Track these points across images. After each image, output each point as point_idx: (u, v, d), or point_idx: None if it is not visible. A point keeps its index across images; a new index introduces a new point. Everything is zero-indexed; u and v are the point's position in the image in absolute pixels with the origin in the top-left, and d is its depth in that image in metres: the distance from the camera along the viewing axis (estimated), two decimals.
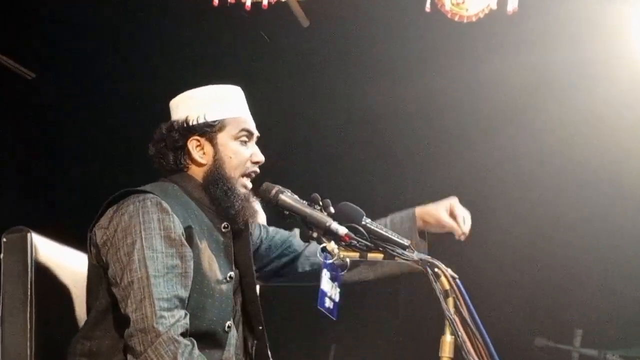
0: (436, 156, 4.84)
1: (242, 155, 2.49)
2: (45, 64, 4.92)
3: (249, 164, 2.50)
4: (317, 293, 2.27)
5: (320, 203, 2.38)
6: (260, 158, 2.53)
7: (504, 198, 4.68)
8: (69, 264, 2.55)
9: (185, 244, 2.31)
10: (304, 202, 2.39)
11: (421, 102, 4.69)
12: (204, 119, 2.48)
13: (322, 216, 2.33)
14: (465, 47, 4.40)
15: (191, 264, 2.31)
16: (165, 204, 2.33)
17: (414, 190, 4.80)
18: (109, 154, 4.98)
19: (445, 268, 2.19)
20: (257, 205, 2.52)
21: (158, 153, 2.50)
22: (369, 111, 4.83)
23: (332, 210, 2.37)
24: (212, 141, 2.48)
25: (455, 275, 2.19)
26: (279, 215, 2.42)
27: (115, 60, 4.79)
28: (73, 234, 2.65)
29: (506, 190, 4.69)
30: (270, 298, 2.89)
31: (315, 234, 2.31)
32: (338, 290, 2.34)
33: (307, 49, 4.65)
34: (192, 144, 2.48)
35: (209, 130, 2.47)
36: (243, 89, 2.59)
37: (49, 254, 2.48)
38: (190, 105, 2.50)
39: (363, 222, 2.32)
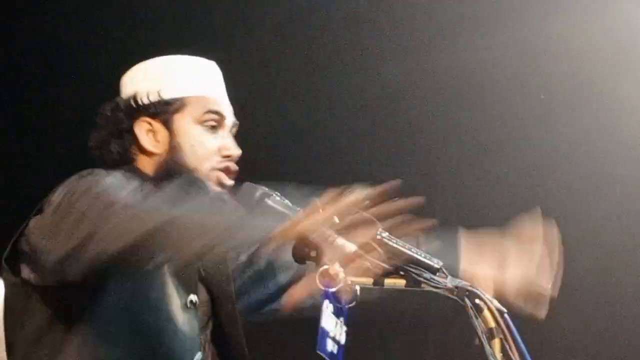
0: (475, 151, 4.82)
1: (206, 145, 2.49)
2: None
3: (216, 158, 2.49)
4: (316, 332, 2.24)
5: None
6: (233, 151, 2.52)
7: (573, 203, 4.66)
8: None
9: None
10: (298, 209, 2.36)
11: (455, 78, 4.69)
12: (158, 96, 2.49)
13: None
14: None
15: None
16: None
17: (445, 195, 4.78)
18: (42, 145, 4.94)
19: (490, 299, 2.17)
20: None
21: (99, 142, 2.51)
22: (385, 91, 4.84)
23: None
24: (167, 124, 2.49)
25: (504, 309, 2.17)
26: None
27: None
28: None
29: (574, 193, 4.67)
30: (258, 336, 2.86)
31: (313, 253, 2.27)
32: (344, 328, 2.30)
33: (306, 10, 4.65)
34: (140, 126, 2.49)
35: (162, 110, 2.49)
36: (221, 62, 2.61)
37: None
38: (141, 78, 2.52)
39: (378, 236, 2.26)
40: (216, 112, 2.51)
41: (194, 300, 2.43)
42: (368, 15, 4.76)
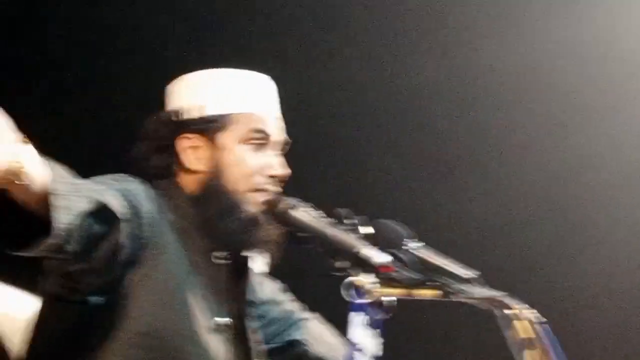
0: (514, 156, 4.79)
1: (247, 165, 2.45)
2: None
3: (259, 178, 2.46)
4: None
5: (349, 221, 2.34)
6: (280, 172, 2.48)
7: (606, 208, 4.62)
8: (5, 305, 2.58)
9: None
10: (326, 220, 2.37)
11: (491, 79, 4.66)
12: (203, 111, 2.46)
13: (351, 239, 2.30)
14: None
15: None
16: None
17: (479, 203, 4.75)
18: (83, 156, 4.96)
19: (523, 309, 2.16)
20: (271, 231, 2.47)
21: (140, 153, 2.49)
22: (417, 94, 4.80)
23: (365, 230, 2.33)
24: (210, 141, 2.46)
25: (539, 320, 2.16)
26: (291, 239, 2.41)
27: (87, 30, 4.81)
28: (16, 268, 2.63)
29: (609, 198, 4.63)
30: None
31: (339, 264, 2.27)
32: (377, 341, 2.27)
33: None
34: (182, 143, 2.47)
35: (206, 127, 2.45)
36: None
37: None
38: (186, 92, 2.50)
39: (408, 247, 2.30)
40: (261, 131, 2.47)
41: (219, 323, 2.42)
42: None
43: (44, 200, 1.92)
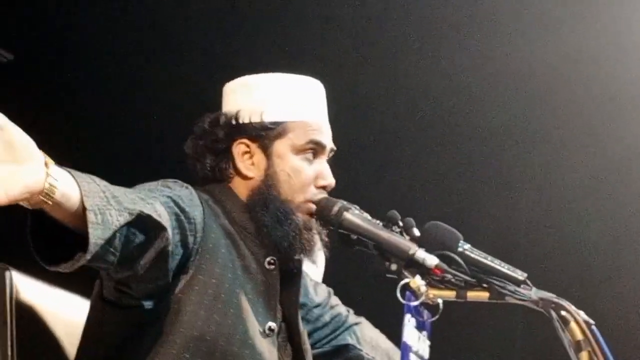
0: (563, 156, 4.78)
1: (304, 176, 2.46)
2: (26, 44, 4.99)
3: (311, 190, 2.47)
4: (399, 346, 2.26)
5: (401, 223, 2.36)
6: (330, 181, 2.49)
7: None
8: (60, 309, 2.58)
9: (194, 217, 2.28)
10: (378, 222, 2.38)
11: (543, 79, 4.65)
12: (260, 118, 2.46)
13: (404, 241, 2.32)
14: None
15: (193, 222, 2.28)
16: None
17: (528, 205, 4.75)
18: (105, 154, 5.01)
19: (577, 311, 2.16)
20: (318, 241, 2.48)
21: (195, 153, 2.49)
22: (466, 94, 4.80)
23: (416, 233, 2.35)
24: (265, 149, 2.46)
25: (591, 321, 2.16)
26: (342, 241, 2.42)
27: (110, 36, 4.84)
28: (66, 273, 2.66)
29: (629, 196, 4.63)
30: None
31: (394, 267, 2.30)
32: (428, 343, 2.31)
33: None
34: (238, 148, 2.47)
35: (263, 134, 2.45)
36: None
37: (34, 296, 2.49)
38: (245, 96, 2.50)
39: (460, 249, 2.31)
40: (318, 143, 2.47)
41: (272, 327, 2.41)
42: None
43: (81, 216, 1.89)
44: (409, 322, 2.27)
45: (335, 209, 2.40)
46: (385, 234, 2.34)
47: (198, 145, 2.49)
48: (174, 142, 2.64)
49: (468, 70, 4.75)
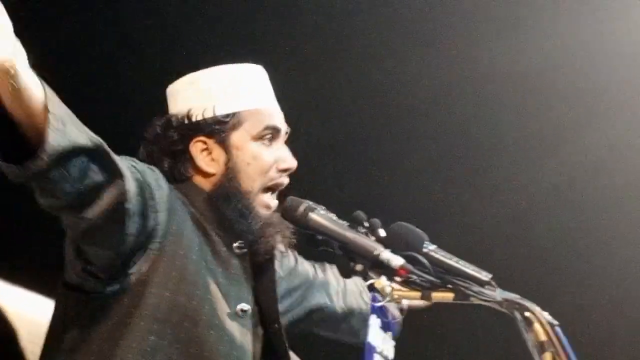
0: (531, 156, 4.80)
1: (264, 161, 2.49)
2: None
3: (273, 173, 2.50)
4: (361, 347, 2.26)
5: (366, 224, 2.37)
6: (291, 164, 2.52)
7: (618, 209, 4.64)
8: (25, 310, 2.56)
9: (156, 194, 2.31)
10: (344, 222, 2.39)
11: (504, 80, 4.66)
12: (213, 112, 2.48)
13: (369, 242, 2.33)
14: None
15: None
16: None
17: (496, 206, 4.76)
18: None
19: (540, 312, 2.17)
20: (287, 229, 2.50)
21: (150, 158, 2.50)
22: (430, 96, 4.81)
23: (382, 233, 2.36)
24: (223, 143, 2.48)
25: (555, 322, 2.17)
26: (308, 241, 2.43)
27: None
28: (32, 273, 2.65)
29: (621, 198, 4.65)
30: (303, 350, 2.89)
31: (359, 267, 2.31)
32: (392, 343, 2.33)
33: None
34: (196, 147, 2.49)
35: (218, 129, 2.47)
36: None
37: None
38: (193, 94, 2.51)
39: (425, 249, 2.31)
40: (274, 127, 2.50)
41: (245, 309, 2.45)
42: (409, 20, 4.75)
43: (36, 117, 1.91)
44: (374, 322, 2.28)
45: (301, 209, 2.41)
46: (350, 234, 2.35)
47: (153, 151, 2.50)
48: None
49: (438, 70, 4.76)
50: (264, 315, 2.51)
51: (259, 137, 2.49)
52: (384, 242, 2.33)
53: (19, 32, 1.82)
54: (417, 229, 2.34)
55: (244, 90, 2.51)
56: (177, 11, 4.64)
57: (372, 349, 2.26)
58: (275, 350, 2.51)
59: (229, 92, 2.50)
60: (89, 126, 2.06)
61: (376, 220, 2.38)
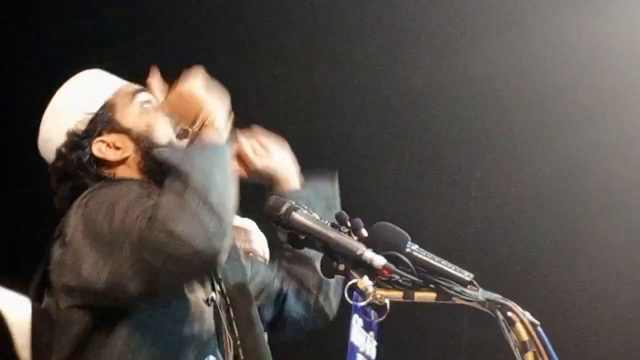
0: (512, 157, 4.82)
1: (156, 115, 2.53)
2: None
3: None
4: (345, 347, 2.26)
5: (349, 224, 2.37)
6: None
7: (603, 210, 4.66)
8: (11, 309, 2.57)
9: None
10: (326, 222, 2.39)
11: (491, 82, 4.68)
12: (87, 115, 2.53)
13: (352, 242, 2.33)
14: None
15: None
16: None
17: (479, 206, 4.78)
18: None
19: (522, 312, 2.18)
20: None
21: (72, 189, 2.51)
22: (416, 96, 4.82)
23: (364, 233, 2.36)
24: (115, 129, 2.53)
25: (536, 322, 2.18)
26: (290, 241, 2.43)
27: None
28: (15, 273, 2.65)
29: (606, 200, 4.67)
30: (284, 353, 2.88)
31: (341, 267, 2.31)
32: (375, 344, 2.33)
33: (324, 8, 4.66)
34: (98, 149, 2.52)
35: (103, 122, 2.53)
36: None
37: None
38: (60, 117, 2.56)
39: (408, 249, 2.32)
40: (142, 90, 2.57)
41: (208, 299, 2.47)
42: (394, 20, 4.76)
43: None
44: (357, 322, 2.28)
45: (284, 208, 2.40)
46: (333, 234, 2.34)
47: (69, 178, 2.53)
48: None
49: (419, 70, 4.78)
50: (235, 307, 2.53)
51: (137, 103, 2.55)
52: (367, 242, 2.33)
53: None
54: (400, 229, 2.35)
55: (98, 83, 2.59)
56: (160, 12, 4.65)
57: (354, 349, 2.26)
58: (245, 344, 2.51)
59: (86, 91, 2.56)
60: None
61: (358, 220, 2.38)
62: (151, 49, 4.70)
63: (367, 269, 2.28)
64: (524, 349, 2.13)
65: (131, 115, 2.53)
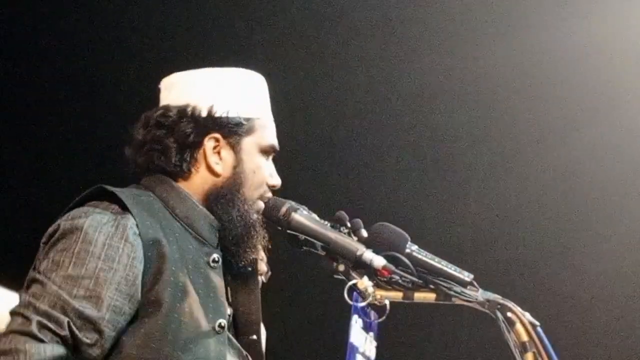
0: (512, 157, 4.82)
1: (262, 173, 2.45)
2: None
3: (264, 187, 2.46)
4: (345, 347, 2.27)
5: (349, 224, 2.38)
6: (278, 181, 2.49)
7: (603, 210, 4.66)
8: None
9: (135, 291, 2.26)
10: (326, 223, 2.39)
11: (490, 81, 4.68)
12: (237, 113, 2.42)
13: (352, 242, 2.33)
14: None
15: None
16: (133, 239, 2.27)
17: (478, 207, 4.78)
18: (66, 160, 4.96)
19: (522, 312, 2.18)
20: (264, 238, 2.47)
21: (154, 142, 2.40)
22: (416, 96, 4.82)
23: (364, 234, 2.37)
24: (234, 146, 2.43)
25: (536, 322, 2.18)
26: (290, 242, 2.42)
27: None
28: (15, 273, 2.65)
29: (606, 200, 4.67)
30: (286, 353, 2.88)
31: (341, 267, 2.31)
32: (374, 344, 2.34)
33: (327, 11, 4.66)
34: (210, 142, 2.41)
35: (236, 130, 2.42)
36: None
37: None
38: (216, 88, 2.43)
39: (407, 250, 2.32)
40: (274, 148, 2.47)
41: (222, 324, 2.34)
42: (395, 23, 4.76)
43: None
44: (356, 323, 2.29)
45: (284, 209, 2.40)
46: (333, 234, 2.34)
47: (161, 137, 2.40)
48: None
49: (415, 71, 4.78)
50: (242, 325, 2.45)
51: (264, 152, 2.45)
52: (366, 243, 2.33)
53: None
54: (400, 230, 2.35)
55: (259, 98, 2.48)
56: (164, 14, 4.65)
57: (354, 349, 2.26)
58: None
59: (250, 95, 2.46)
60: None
61: (358, 221, 2.38)
62: (151, 50, 4.70)
63: (367, 269, 2.29)
64: (524, 349, 2.14)
65: (253, 151, 2.43)
